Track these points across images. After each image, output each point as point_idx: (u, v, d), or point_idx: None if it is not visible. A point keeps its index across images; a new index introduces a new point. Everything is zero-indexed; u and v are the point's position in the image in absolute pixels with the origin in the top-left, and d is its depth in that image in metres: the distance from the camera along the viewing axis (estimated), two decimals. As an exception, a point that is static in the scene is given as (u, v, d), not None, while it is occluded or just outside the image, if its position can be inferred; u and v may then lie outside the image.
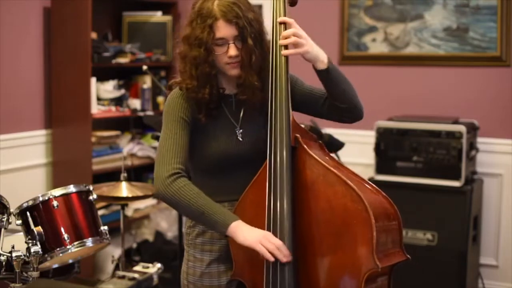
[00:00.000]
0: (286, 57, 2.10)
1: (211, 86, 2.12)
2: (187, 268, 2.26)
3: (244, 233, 2.03)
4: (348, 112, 2.19)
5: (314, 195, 2.04)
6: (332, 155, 3.86)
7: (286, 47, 2.09)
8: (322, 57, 2.09)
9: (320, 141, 2.17)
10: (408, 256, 2.07)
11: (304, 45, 2.06)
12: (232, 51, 2.08)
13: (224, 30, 2.07)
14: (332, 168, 2.04)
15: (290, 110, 2.10)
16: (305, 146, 2.08)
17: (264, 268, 2.06)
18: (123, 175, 3.29)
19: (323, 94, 2.21)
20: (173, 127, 2.12)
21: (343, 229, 1.99)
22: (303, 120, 3.38)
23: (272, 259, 2.00)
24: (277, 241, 2.02)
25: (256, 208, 2.09)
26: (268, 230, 2.05)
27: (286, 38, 2.06)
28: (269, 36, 2.15)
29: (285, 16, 2.12)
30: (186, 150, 2.11)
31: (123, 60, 4.39)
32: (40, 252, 2.49)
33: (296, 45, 2.06)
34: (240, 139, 2.17)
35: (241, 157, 2.16)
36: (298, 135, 2.10)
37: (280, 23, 2.10)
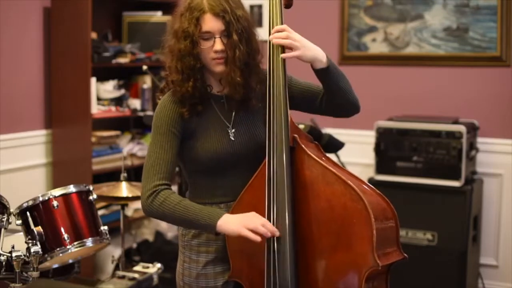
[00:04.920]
0: (284, 59, 2.10)
1: (195, 80, 2.12)
2: (182, 270, 2.26)
3: (230, 225, 2.02)
4: (345, 107, 2.22)
5: (313, 194, 2.05)
6: (332, 155, 3.91)
7: (283, 50, 2.09)
8: (321, 57, 2.09)
9: (316, 142, 2.18)
10: (405, 255, 2.08)
11: (298, 48, 2.06)
12: (218, 45, 2.08)
13: (210, 23, 2.07)
14: (331, 168, 2.05)
15: (288, 111, 2.10)
16: (303, 146, 2.09)
17: (265, 267, 2.06)
18: (123, 175, 3.29)
19: (320, 90, 2.22)
20: (160, 141, 2.13)
21: (344, 228, 2.00)
22: (303, 119, 3.39)
23: (259, 239, 1.98)
24: (260, 219, 2.02)
25: (254, 210, 2.08)
26: None
27: (278, 33, 2.07)
28: (260, 37, 2.17)
29: (281, 17, 2.13)
30: (172, 163, 2.13)
31: (123, 60, 4.38)
32: (40, 252, 2.49)
33: (291, 48, 2.07)
34: (233, 138, 2.17)
35: (234, 157, 2.16)
36: (296, 136, 2.11)
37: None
